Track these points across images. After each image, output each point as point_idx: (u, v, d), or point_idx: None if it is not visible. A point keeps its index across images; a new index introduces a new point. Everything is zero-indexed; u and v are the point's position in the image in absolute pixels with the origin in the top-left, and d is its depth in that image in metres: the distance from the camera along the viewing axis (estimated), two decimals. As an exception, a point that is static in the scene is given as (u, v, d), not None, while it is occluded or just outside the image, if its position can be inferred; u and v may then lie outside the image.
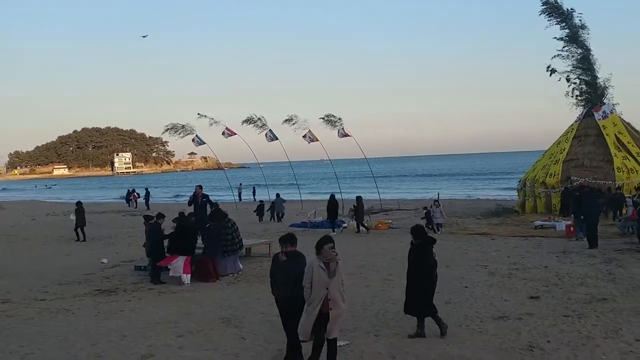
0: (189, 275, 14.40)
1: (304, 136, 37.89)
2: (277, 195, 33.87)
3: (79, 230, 24.62)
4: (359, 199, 25.49)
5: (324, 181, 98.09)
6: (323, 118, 36.42)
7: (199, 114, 40.50)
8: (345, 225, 26.51)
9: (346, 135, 36.56)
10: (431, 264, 9.25)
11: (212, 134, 46.35)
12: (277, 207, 32.41)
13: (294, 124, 37.41)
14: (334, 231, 24.44)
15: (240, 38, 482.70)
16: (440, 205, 24.62)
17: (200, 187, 20.20)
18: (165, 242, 15.09)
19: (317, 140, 37.98)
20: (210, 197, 20.52)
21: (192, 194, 20.16)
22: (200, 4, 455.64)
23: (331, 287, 7.52)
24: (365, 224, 25.27)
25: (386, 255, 17.75)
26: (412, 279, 9.30)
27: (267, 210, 32.43)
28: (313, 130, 37.73)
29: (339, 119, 36.39)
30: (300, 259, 8.10)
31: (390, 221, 27.93)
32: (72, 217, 25.27)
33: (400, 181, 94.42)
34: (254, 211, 33.41)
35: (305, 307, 7.75)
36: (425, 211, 25.19)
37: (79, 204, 25.81)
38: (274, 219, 31.95)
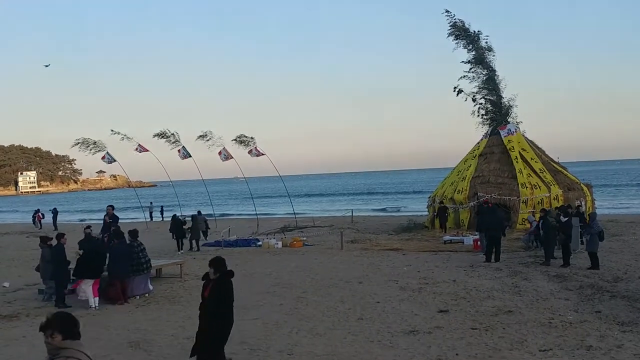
0: (97, 299, 13.85)
1: (219, 153, 37.42)
2: (199, 212, 33.25)
3: None
4: (194, 217, 26.70)
5: (238, 199, 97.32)
6: (235, 139, 36.18)
7: (112, 130, 39.46)
8: (260, 243, 26.39)
9: (259, 154, 36.40)
10: (228, 301, 7.95)
11: (123, 151, 45.31)
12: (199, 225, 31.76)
13: (208, 140, 36.94)
14: (178, 251, 24.80)
15: (152, 55, 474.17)
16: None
17: (112, 207, 20.27)
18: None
19: (232, 157, 37.64)
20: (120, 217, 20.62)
21: (104, 214, 20.44)
22: (111, 22, 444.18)
23: None
24: (198, 244, 25.89)
25: (300, 273, 17.69)
26: (205, 317, 7.96)
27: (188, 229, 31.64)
28: (228, 147, 37.37)
29: (252, 138, 36.26)
30: None
31: (305, 238, 27.94)
32: None
33: (315, 198, 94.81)
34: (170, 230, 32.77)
35: None
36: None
37: None
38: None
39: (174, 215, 28.06)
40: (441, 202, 29.07)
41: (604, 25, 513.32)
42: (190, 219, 27.10)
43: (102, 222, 21.42)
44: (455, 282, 15.28)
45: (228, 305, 7.91)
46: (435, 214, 29.24)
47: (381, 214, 53.47)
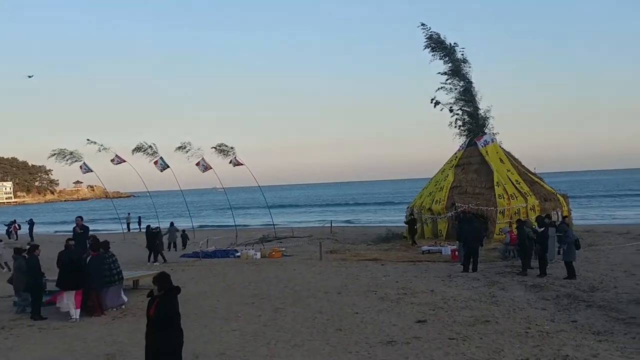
0: (78, 310, 13.69)
1: (197, 164, 37.33)
2: (171, 224, 33.18)
3: None
4: (157, 229, 27.09)
5: (216, 210, 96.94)
6: (215, 147, 36.17)
7: (88, 139, 39.10)
8: (238, 254, 26.29)
9: (239, 164, 36.42)
10: (175, 318, 7.68)
11: (101, 161, 44.85)
12: (170, 236, 31.64)
13: (187, 151, 36.85)
14: (155, 262, 25.03)
15: (132, 65, 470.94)
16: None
17: (81, 217, 20.15)
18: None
19: (211, 168, 37.56)
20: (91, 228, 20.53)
21: (74, 226, 20.23)
22: (91, 30, 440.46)
23: None
24: (164, 256, 26.03)
25: (279, 284, 17.64)
26: (152, 335, 7.66)
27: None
28: (207, 158, 37.30)
29: (232, 147, 36.29)
30: None
31: (284, 249, 27.89)
32: None
33: (295, 209, 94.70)
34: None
35: None
36: None
37: None
38: (170, 248, 31.17)
39: (148, 227, 28.21)
40: (412, 214, 29.36)
41: (583, 35, 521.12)
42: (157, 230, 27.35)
43: (72, 233, 21.23)
44: (433, 292, 15.34)
45: (175, 323, 7.66)
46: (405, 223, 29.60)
47: (359, 224, 53.56)
